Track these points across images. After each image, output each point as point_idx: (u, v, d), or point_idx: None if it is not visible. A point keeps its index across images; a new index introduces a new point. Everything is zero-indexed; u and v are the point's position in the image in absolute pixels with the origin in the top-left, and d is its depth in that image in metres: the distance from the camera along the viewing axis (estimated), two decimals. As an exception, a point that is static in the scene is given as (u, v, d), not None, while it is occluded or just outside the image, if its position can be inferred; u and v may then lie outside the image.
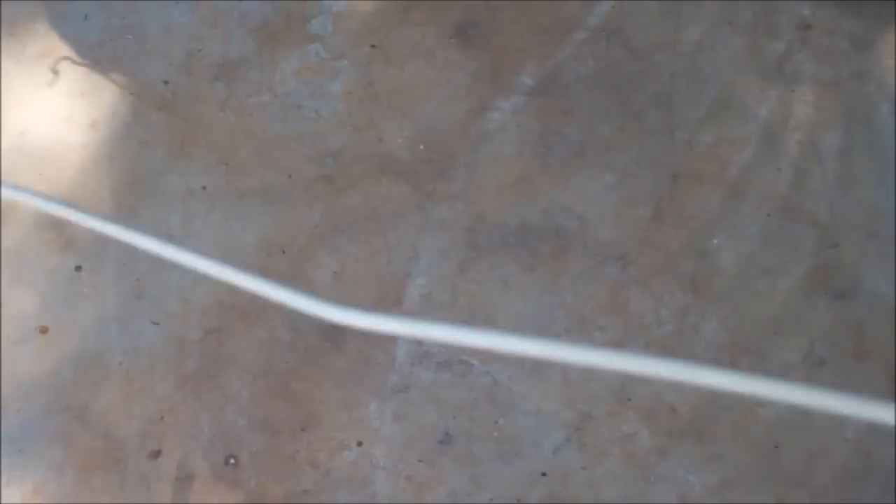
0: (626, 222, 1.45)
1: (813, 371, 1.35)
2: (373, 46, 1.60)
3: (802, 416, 1.31)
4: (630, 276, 1.41)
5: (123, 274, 1.42)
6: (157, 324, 1.39)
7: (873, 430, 1.31)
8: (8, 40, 1.61)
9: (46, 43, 1.60)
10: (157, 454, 1.31)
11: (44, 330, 1.38)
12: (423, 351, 1.36)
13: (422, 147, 1.50)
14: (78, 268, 1.43)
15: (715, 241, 1.44)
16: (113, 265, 1.43)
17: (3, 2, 1.64)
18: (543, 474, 1.29)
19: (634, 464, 1.29)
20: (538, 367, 1.35)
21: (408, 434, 1.32)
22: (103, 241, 1.45)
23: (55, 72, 1.58)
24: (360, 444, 1.31)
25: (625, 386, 1.34)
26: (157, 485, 1.29)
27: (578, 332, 1.37)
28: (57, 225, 1.46)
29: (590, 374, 1.35)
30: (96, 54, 1.60)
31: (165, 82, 1.57)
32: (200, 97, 1.56)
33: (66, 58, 1.59)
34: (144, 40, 1.61)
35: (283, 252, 1.44)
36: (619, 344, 1.37)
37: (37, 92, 1.56)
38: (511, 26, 1.62)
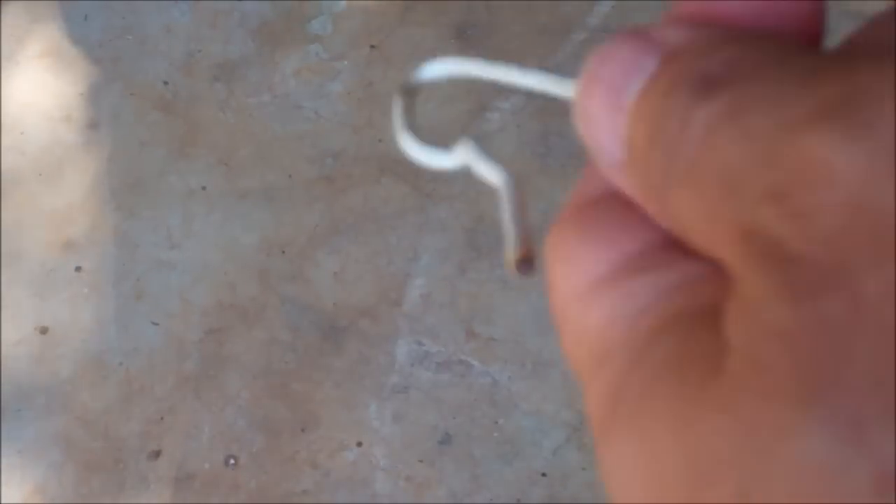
0: (625, 222, 1.45)
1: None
2: (372, 47, 1.60)
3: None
4: (630, 276, 1.41)
5: (123, 274, 1.42)
6: (157, 324, 1.39)
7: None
8: (8, 40, 1.61)
9: (46, 43, 1.60)
10: (157, 454, 1.31)
11: (44, 330, 1.39)
12: (423, 351, 1.37)
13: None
14: (78, 268, 1.43)
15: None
16: (113, 265, 1.43)
17: (3, 2, 1.64)
18: (543, 475, 1.29)
19: (634, 464, 1.29)
20: (538, 368, 1.35)
21: (408, 434, 1.32)
22: (103, 241, 1.45)
23: (55, 73, 1.58)
24: (359, 444, 1.31)
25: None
26: (157, 485, 1.29)
27: (578, 332, 1.37)
28: (57, 225, 1.46)
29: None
30: (96, 54, 1.60)
31: (165, 82, 1.57)
32: (200, 97, 1.56)
33: (66, 58, 1.59)
34: (144, 40, 1.61)
35: (283, 252, 1.44)
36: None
37: (37, 92, 1.56)
38: (511, 26, 1.62)
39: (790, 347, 0.13)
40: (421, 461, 1.30)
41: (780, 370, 0.13)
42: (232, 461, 1.30)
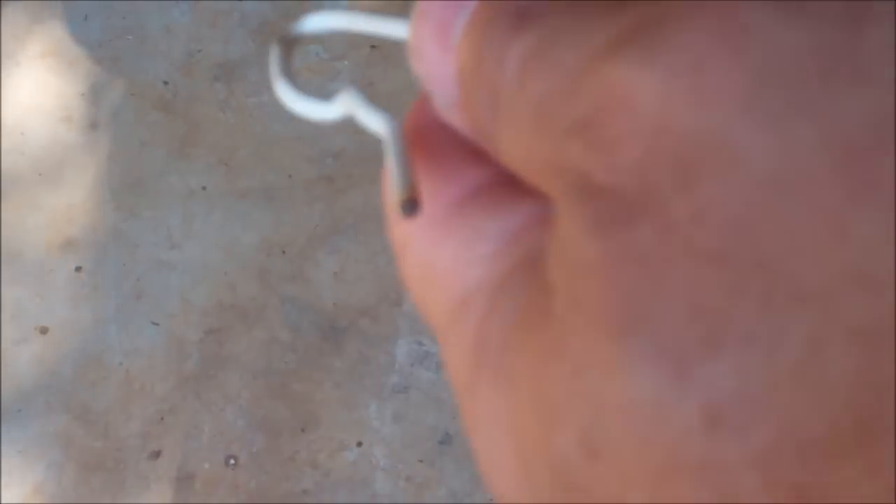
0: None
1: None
2: (373, 47, 1.60)
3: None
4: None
5: (123, 274, 1.42)
6: (157, 324, 1.39)
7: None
8: (8, 40, 1.61)
9: (46, 43, 1.60)
10: (157, 454, 1.31)
11: (44, 330, 1.39)
12: (423, 351, 1.37)
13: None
14: (78, 268, 1.43)
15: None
16: (113, 265, 1.43)
17: (3, 2, 1.64)
18: (543, 474, 1.29)
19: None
20: (538, 368, 1.35)
21: (408, 434, 1.32)
22: (103, 241, 1.45)
23: (56, 73, 1.58)
24: (360, 444, 1.31)
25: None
26: (157, 485, 1.29)
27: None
28: (57, 225, 1.46)
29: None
30: (96, 54, 1.60)
31: (165, 82, 1.57)
32: (200, 97, 1.56)
33: (66, 58, 1.59)
34: (144, 40, 1.61)
35: (283, 252, 1.44)
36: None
37: (37, 92, 1.56)
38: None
39: (603, 281, 0.12)
40: (421, 461, 1.30)
41: (596, 305, 0.12)
42: (232, 461, 1.30)
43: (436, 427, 1.32)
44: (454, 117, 0.17)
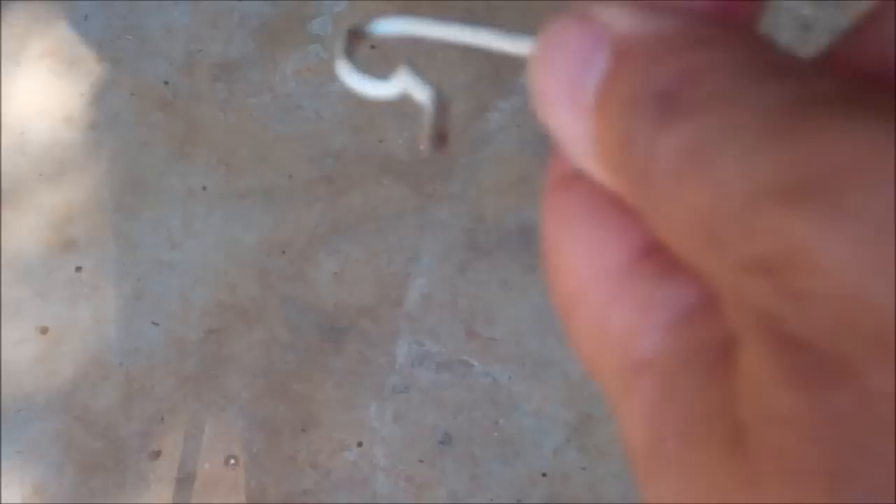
0: (626, 223, 1.45)
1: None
2: (373, 47, 1.60)
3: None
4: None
5: (123, 274, 1.42)
6: (157, 324, 1.39)
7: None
8: (8, 40, 1.61)
9: (47, 43, 1.60)
10: (157, 454, 1.31)
11: (44, 330, 1.39)
12: (423, 351, 1.37)
13: (422, 148, 1.50)
14: (78, 268, 1.43)
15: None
16: (113, 265, 1.43)
17: (3, 2, 1.64)
18: (543, 475, 1.29)
19: (634, 464, 1.29)
20: (538, 368, 1.35)
21: (408, 434, 1.32)
22: (103, 241, 1.45)
23: (56, 73, 1.58)
24: (360, 444, 1.31)
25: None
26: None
27: (578, 332, 1.37)
28: (57, 225, 1.46)
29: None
30: (97, 54, 1.60)
31: (166, 83, 1.57)
32: (201, 97, 1.56)
33: (66, 58, 1.59)
34: (145, 40, 1.61)
35: (283, 252, 1.44)
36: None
37: (37, 92, 1.56)
38: (511, 27, 1.62)
39: (806, 436, 0.13)
40: (421, 461, 1.30)
41: (798, 456, 0.13)
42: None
43: (436, 427, 1.32)
44: (589, 167, 0.17)
